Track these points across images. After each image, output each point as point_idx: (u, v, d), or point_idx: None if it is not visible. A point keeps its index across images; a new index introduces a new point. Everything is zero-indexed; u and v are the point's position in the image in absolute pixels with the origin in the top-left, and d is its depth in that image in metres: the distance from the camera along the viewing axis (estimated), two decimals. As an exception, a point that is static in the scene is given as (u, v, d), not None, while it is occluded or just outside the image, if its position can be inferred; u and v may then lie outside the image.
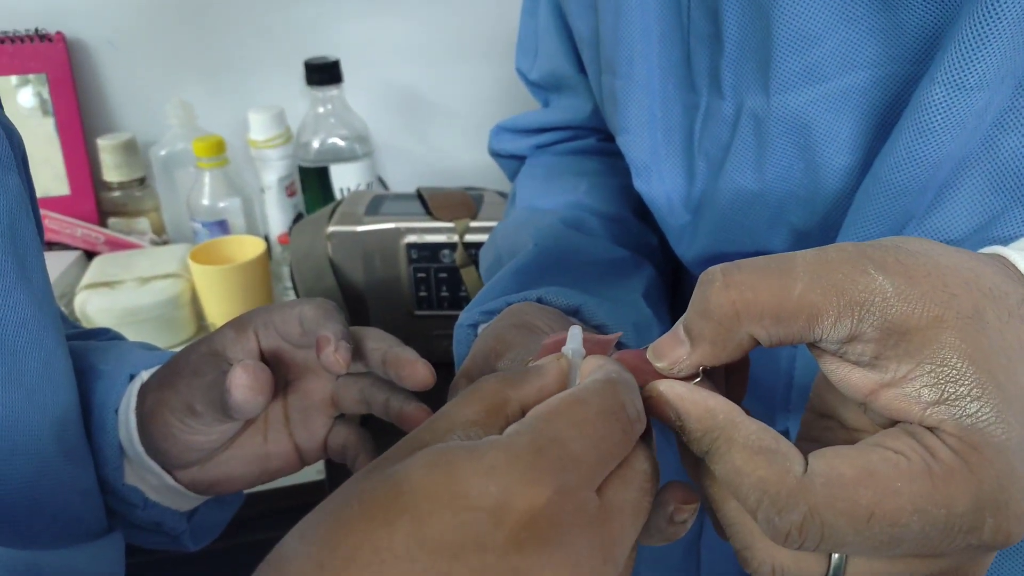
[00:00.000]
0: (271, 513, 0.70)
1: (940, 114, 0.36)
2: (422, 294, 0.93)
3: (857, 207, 0.41)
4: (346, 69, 1.09)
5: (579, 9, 0.54)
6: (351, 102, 1.12)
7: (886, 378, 0.27)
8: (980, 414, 0.25)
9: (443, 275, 0.92)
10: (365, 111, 1.14)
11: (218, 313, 0.98)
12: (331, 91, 1.08)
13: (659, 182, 0.51)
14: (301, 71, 1.08)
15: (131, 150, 1.12)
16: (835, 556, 0.28)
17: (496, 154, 0.71)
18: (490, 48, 1.14)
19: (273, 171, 1.10)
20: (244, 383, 0.40)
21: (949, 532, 0.25)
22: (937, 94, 0.35)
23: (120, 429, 0.44)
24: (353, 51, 1.14)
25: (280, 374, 0.46)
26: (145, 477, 0.45)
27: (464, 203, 0.93)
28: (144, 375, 0.46)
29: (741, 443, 0.27)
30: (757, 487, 0.26)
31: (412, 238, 0.91)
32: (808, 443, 0.31)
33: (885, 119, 0.40)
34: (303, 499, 0.79)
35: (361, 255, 0.93)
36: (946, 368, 0.26)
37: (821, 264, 0.27)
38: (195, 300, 1.00)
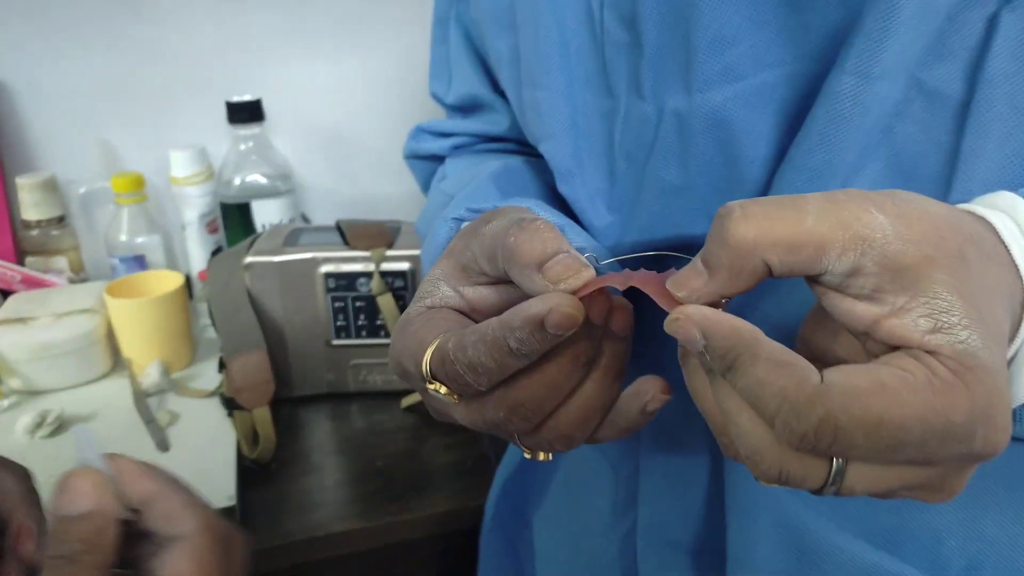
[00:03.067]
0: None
1: (849, 101, 0.39)
2: (339, 323, 0.94)
3: (775, 192, 0.44)
4: (270, 109, 1.10)
5: (496, 30, 0.57)
6: (275, 141, 1.13)
7: (885, 310, 0.30)
8: (970, 340, 0.29)
9: (360, 303, 0.93)
10: (289, 149, 1.15)
11: (134, 348, 0.97)
12: (253, 129, 1.10)
13: (582, 185, 0.53)
14: (224, 110, 1.09)
15: (50, 188, 1.12)
16: (836, 462, 0.30)
17: (414, 156, 0.72)
18: (403, 88, 1.17)
19: (194, 208, 1.10)
20: None
21: (945, 440, 0.28)
22: (846, 83, 0.39)
23: None
24: (276, 92, 1.16)
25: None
26: None
27: (381, 233, 0.95)
28: None
29: (765, 357, 0.30)
30: (778, 395, 0.29)
31: (329, 267, 0.92)
32: None
33: (798, 112, 0.43)
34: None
35: (279, 286, 0.93)
36: (939, 300, 0.29)
37: (830, 202, 0.30)
38: (111, 335, 0.99)
